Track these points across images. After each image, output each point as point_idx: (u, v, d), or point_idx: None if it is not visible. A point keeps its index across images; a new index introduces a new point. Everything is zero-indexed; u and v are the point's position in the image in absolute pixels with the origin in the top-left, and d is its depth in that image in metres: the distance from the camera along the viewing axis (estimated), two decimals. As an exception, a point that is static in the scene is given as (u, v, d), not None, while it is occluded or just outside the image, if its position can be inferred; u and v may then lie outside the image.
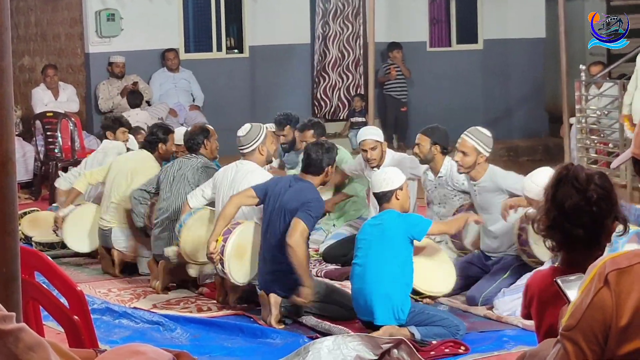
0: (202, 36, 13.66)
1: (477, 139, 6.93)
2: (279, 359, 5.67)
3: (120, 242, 8.08)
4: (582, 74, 10.68)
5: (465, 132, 7.01)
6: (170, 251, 7.17)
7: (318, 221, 8.14)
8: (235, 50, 13.88)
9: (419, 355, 5.66)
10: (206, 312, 6.95)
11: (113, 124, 9.13)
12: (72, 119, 11.65)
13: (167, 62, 13.04)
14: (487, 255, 7.14)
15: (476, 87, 14.82)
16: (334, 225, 8.69)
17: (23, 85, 13.05)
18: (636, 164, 2.45)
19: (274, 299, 6.50)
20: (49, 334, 4.01)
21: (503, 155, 13.38)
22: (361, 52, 14.38)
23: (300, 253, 6.31)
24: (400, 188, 6.33)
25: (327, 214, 8.36)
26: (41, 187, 11.59)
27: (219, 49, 13.69)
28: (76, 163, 10.02)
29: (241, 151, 7.18)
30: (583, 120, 10.68)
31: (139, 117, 11.71)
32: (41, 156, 11.75)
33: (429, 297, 6.89)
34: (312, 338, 6.05)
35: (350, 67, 14.44)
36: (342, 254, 7.99)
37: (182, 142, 8.07)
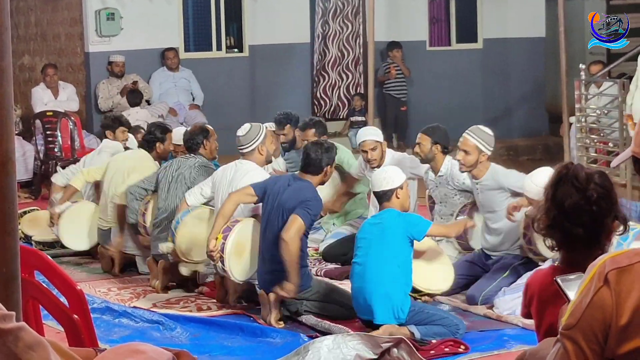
0: (202, 35, 13.66)
1: (478, 138, 6.94)
2: (278, 358, 5.67)
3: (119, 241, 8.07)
4: (582, 73, 10.68)
5: (467, 131, 7.02)
6: (165, 247, 7.14)
7: (318, 220, 8.19)
8: (235, 50, 13.87)
9: (418, 355, 5.66)
10: (206, 311, 6.95)
11: (113, 123, 9.12)
12: (72, 118, 11.66)
13: (167, 61, 13.04)
14: (487, 255, 7.15)
15: (476, 86, 14.83)
16: (333, 224, 8.70)
17: (23, 85, 13.05)
18: (636, 163, 2.44)
19: (274, 298, 6.50)
20: (49, 333, 4.01)
21: (503, 155, 13.37)
22: (361, 51, 14.38)
23: (293, 249, 6.32)
24: (401, 187, 6.33)
25: (331, 213, 8.40)
26: (41, 186, 11.59)
27: (219, 48, 13.69)
28: (76, 162, 9.98)
29: (240, 151, 7.18)
30: (583, 120, 10.67)
31: (139, 116, 11.71)
32: (41, 155, 11.75)
33: (428, 294, 6.90)
34: (311, 337, 6.05)
35: (350, 66, 14.44)
36: (341, 253, 7.99)
37: (181, 142, 8.07)
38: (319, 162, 6.64)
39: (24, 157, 11.68)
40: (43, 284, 3.85)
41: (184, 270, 7.29)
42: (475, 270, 7.14)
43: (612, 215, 3.35)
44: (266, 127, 7.48)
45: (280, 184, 6.62)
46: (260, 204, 6.76)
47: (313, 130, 8.67)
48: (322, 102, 14.34)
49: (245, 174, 6.98)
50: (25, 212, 9.08)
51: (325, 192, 8.52)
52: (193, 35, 13.67)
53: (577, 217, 3.32)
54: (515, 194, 6.80)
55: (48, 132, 11.61)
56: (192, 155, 7.72)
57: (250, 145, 7.12)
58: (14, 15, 12.28)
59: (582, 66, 10.72)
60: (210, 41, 13.63)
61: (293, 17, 13.86)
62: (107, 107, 12.53)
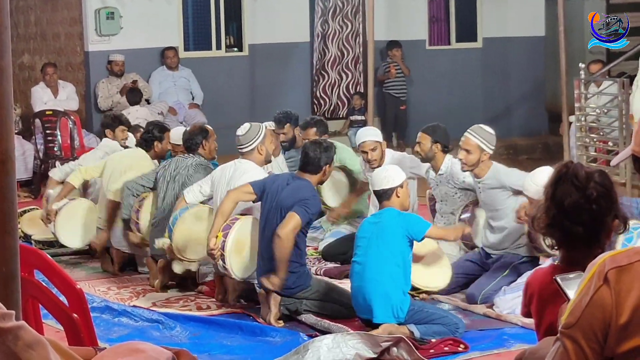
0: (202, 34, 13.66)
1: (480, 137, 6.94)
2: (278, 357, 5.68)
3: (119, 240, 8.07)
4: (582, 72, 10.69)
5: (468, 130, 7.03)
6: (161, 242, 7.12)
7: (317, 220, 8.19)
8: (235, 49, 13.87)
9: (418, 354, 5.66)
10: (205, 310, 6.95)
11: (112, 122, 9.11)
12: (72, 117, 11.66)
13: (167, 60, 13.04)
14: (487, 253, 7.15)
15: (476, 85, 14.83)
16: (332, 223, 8.69)
17: (22, 84, 13.05)
18: (636, 162, 2.44)
19: (274, 297, 6.50)
20: (49, 332, 4.00)
21: (503, 154, 13.36)
22: (360, 50, 14.38)
23: (286, 246, 6.33)
24: (401, 186, 6.33)
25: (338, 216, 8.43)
26: (41, 185, 11.57)
27: (219, 47, 13.69)
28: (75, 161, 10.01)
29: (240, 150, 7.18)
30: (582, 119, 10.68)
31: (138, 114, 11.71)
32: (41, 154, 11.76)
33: (426, 292, 6.90)
34: (311, 336, 6.05)
35: (349, 65, 14.44)
36: (341, 252, 7.99)
37: (180, 142, 8.06)
38: (317, 161, 6.64)
39: (24, 156, 11.68)
40: (43, 283, 3.85)
41: (177, 267, 7.26)
42: (475, 269, 7.14)
43: (612, 214, 3.34)
44: (266, 127, 7.48)
45: (279, 183, 6.62)
46: (253, 205, 6.77)
47: (314, 129, 8.67)
48: (321, 101, 14.35)
49: (244, 173, 6.97)
50: (24, 211, 9.08)
51: (334, 198, 8.53)
52: (193, 35, 13.67)
53: (577, 216, 3.32)
54: (517, 193, 6.82)
55: (48, 131, 11.61)
56: (190, 155, 7.71)
57: (250, 145, 7.12)
58: (13, 14, 12.28)
59: (581, 65, 10.73)
60: (210, 40, 13.63)
61: (293, 16, 13.86)
62: (106, 106, 12.53)
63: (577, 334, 2.25)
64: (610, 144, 10.51)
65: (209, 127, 8.19)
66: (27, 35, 13.30)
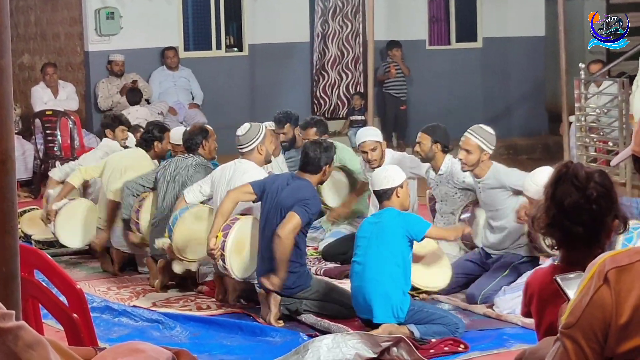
0: (202, 34, 13.66)
1: (480, 137, 6.94)
2: (278, 357, 5.68)
3: (119, 240, 8.07)
4: (582, 72, 10.68)
5: (468, 130, 7.03)
6: (160, 242, 7.12)
7: (317, 220, 8.19)
8: (235, 49, 13.87)
9: (418, 354, 5.66)
10: (205, 310, 6.95)
11: (112, 122, 9.11)
12: (72, 117, 11.66)
13: (167, 60, 13.04)
14: (487, 253, 7.15)
15: (476, 85, 14.82)
16: (333, 223, 8.69)
17: (22, 84, 13.06)
18: (636, 162, 2.44)
19: (274, 297, 6.50)
20: (49, 332, 4.00)
21: (502, 154, 13.36)
22: (360, 50, 14.38)
23: (287, 245, 6.33)
24: (401, 186, 6.33)
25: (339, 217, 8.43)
26: (41, 185, 11.57)
27: (219, 47, 13.69)
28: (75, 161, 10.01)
29: (240, 150, 7.18)
30: (582, 119, 10.68)
31: (138, 114, 11.72)
32: (41, 154, 11.76)
33: (425, 292, 6.90)
34: (311, 336, 6.05)
35: (349, 65, 14.44)
36: (341, 252, 7.99)
37: (180, 142, 8.06)
38: (317, 161, 6.64)
39: (24, 156, 11.68)
40: (43, 283, 3.85)
41: (177, 267, 7.27)
42: (475, 269, 7.14)
43: (612, 214, 3.34)
44: (266, 127, 7.48)
45: (279, 183, 6.62)
46: (253, 205, 6.77)
47: (314, 129, 8.68)
48: (321, 101, 14.34)
49: (244, 173, 6.97)
50: (24, 211, 9.07)
51: (334, 198, 8.53)
52: (193, 35, 13.67)
53: (577, 216, 3.32)
54: (517, 193, 6.82)
55: (48, 131, 11.61)
56: (190, 155, 7.71)
57: (250, 145, 7.12)
58: (13, 14, 12.28)
59: (581, 65, 10.73)
60: (210, 40, 13.63)
61: (293, 16, 13.86)
62: (106, 106, 12.53)
63: (577, 334, 2.25)
64: (610, 144, 10.51)
65: (209, 127, 8.19)
66: (27, 35, 13.30)
